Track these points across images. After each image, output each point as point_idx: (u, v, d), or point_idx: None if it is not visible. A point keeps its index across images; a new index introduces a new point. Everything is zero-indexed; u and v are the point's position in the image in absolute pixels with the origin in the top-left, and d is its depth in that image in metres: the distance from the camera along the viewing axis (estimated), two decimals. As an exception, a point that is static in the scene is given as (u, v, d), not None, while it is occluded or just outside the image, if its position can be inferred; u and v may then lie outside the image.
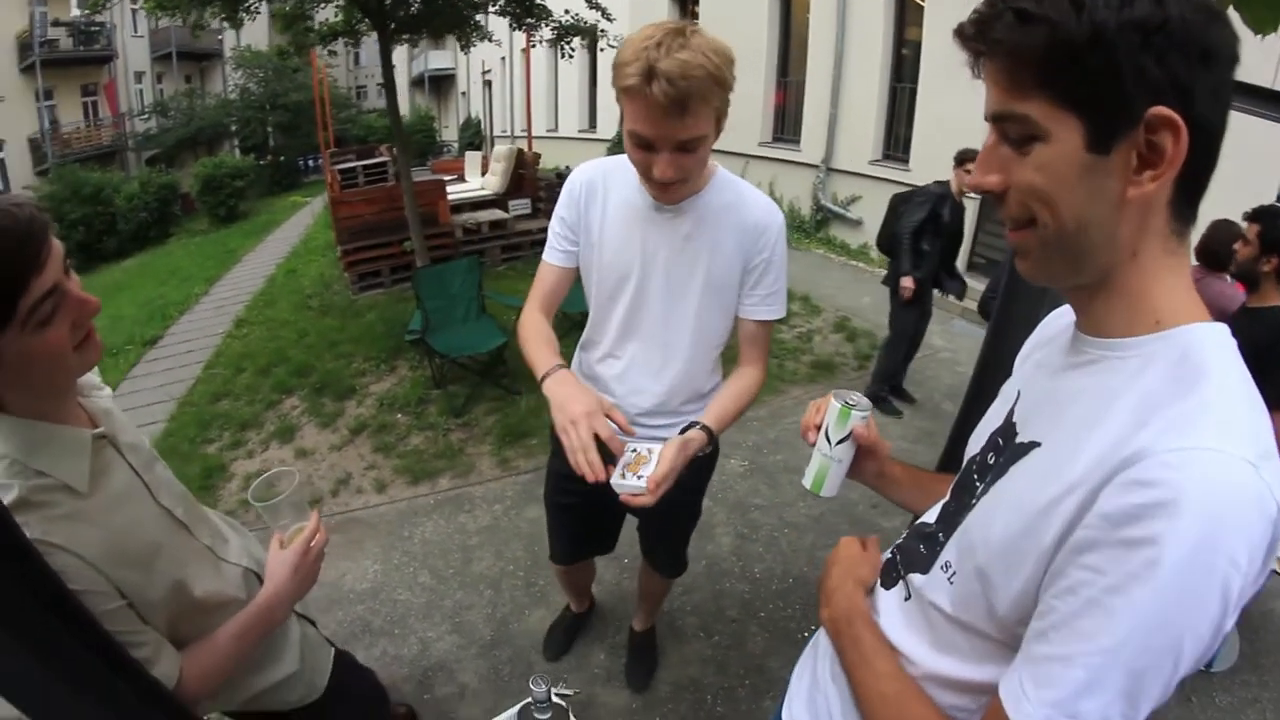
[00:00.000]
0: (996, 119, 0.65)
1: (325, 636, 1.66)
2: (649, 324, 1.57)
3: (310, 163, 20.95)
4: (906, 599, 0.89)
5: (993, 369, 1.84)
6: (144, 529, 1.08)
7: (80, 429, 1.01)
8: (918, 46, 7.61)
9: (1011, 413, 0.82)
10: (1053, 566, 0.64)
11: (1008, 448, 0.78)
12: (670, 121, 1.19)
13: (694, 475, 1.48)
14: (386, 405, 4.68)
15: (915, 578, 0.87)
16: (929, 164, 6.92)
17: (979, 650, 0.77)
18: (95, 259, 15.15)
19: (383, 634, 2.82)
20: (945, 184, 4.09)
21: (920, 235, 4.13)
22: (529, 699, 1.31)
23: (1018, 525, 0.68)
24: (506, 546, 3.26)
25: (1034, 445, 0.73)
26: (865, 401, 1.07)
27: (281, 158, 21.52)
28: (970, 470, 0.86)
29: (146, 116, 22.99)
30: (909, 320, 4.38)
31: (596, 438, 1.24)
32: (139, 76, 23.52)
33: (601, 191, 1.52)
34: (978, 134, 0.72)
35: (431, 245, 6.83)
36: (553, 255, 1.60)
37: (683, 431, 1.45)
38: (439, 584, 3.07)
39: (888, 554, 1.01)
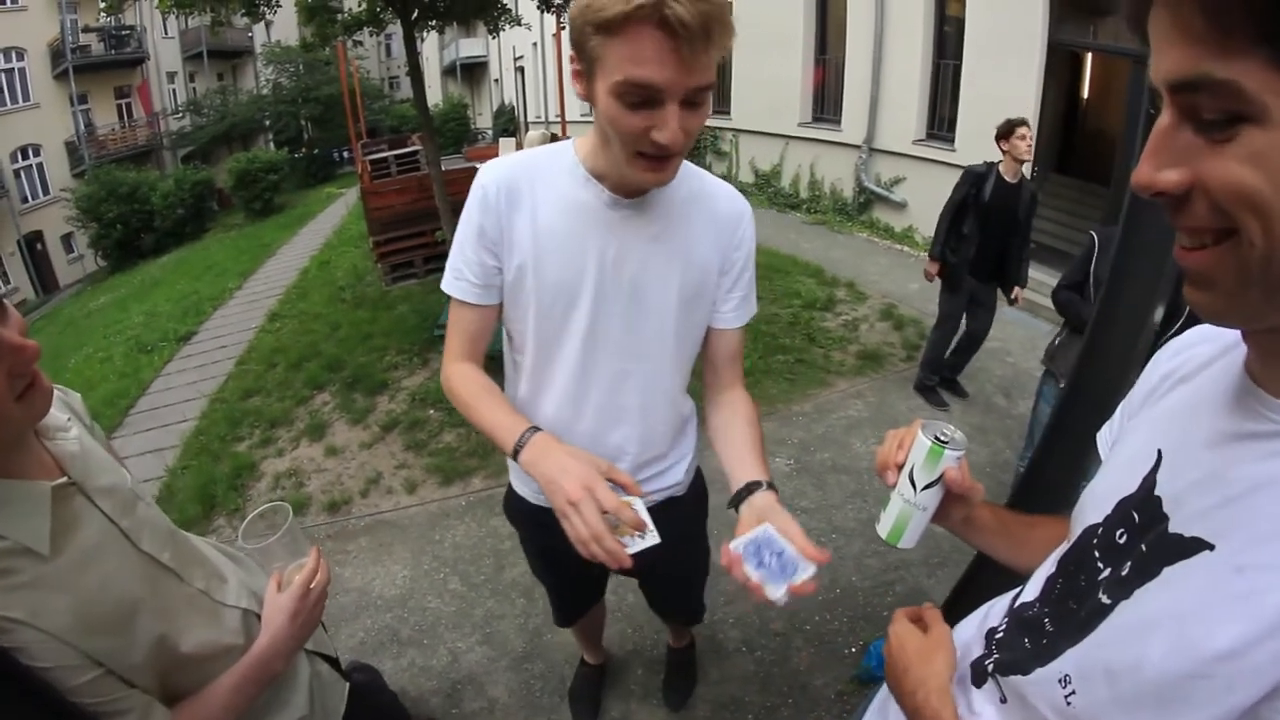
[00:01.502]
0: (1180, 88, 0.44)
1: (341, 671, 1.54)
2: (614, 357, 1.25)
3: (344, 154, 21.04)
4: (1003, 701, 0.73)
5: (1084, 398, 1.61)
6: (121, 585, 0.96)
7: (37, 482, 0.88)
8: (960, 22, 7.28)
9: (1152, 481, 0.63)
10: None
11: (1153, 534, 0.60)
12: (690, 58, 0.91)
13: (691, 521, 1.26)
14: (419, 400, 4.59)
15: (1015, 680, 0.71)
16: (975, 143, 6.61)
17: None
18: (133, 256, 15.56)
19: (411, 644, 2.72)
20: (993, 164, 3.81)
21: (960, 217, 3.88)
22: None
23: (1185, 664, 0.52)
24: (540, 553, 3.12)
25: (1201, 546, 0.55)
26: (960, 437, 0.88)
27: (315, 150, 21.70)
28: (1089, 546, 0.68)
29: (180, 115, 23.42)
30: (952, 305, 4.14)
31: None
32: (171, 77, 23.94)
33: (528, 192, 1.17)
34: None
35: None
36: (468, 291, 1.21)
37: (737, 501, 1.17)
38: (470, 591, 2.96)
39: (978, 648, 0.82)
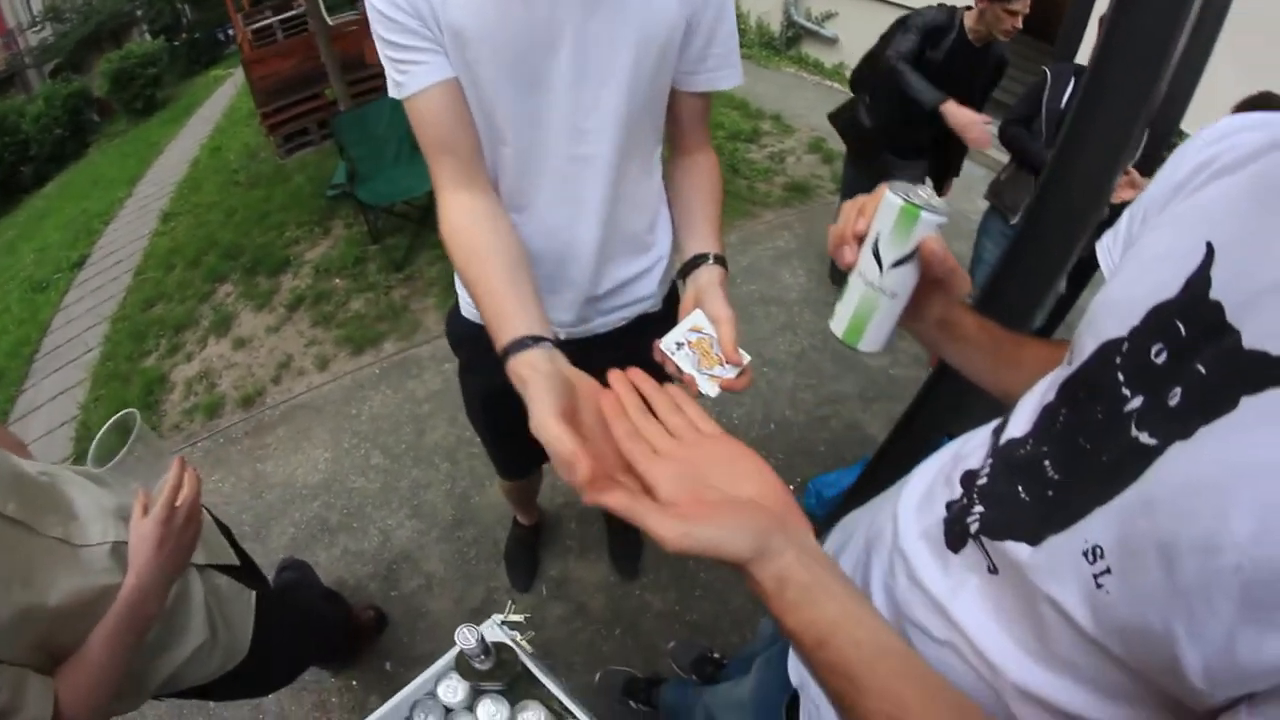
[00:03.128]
0: None
1: (250, 576, 1.41)
2: (563, 141, 0.99)
3: (229, 32, 19.02)
4: (992, 571, 0.57)
5: (1045, 230, 1.40)
6: None
7: None
8: None
9: (1203, 282, 0.48)
10: None
11: (1214, 352, 0.44)
12: None
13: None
14: (323, 272, 4.20)
15: (1013, 548, 0.54)
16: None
17: (1114, 683, 0.47)
18: (16, 194, 13.85)
19: (341, 529, 2.50)
20: (954, 11, 2.72)
21: (892, 75, 2.74)
22: (460, 648, 0.96)
23: None
24: (460, 411, 2.79)
25: None
26: (940, 202, 0.65)
27: (196, 34, 19.52)
28: (1108, 366, 0.52)
29: (39, 27, 20.50)
30: (857, 186, 2.91)
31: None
32: (22, -13, 20.93)
33: None
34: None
35: (360, 91, 6.03)
36: (420, 73, 0.92)
37: (684, 273, 1.01)
38: (393, 464, 2.72)
39: (945, 491, 0.66)
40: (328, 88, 6.14)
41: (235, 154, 7.14)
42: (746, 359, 0.88)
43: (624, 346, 0.93)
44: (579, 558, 2.26)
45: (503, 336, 0.82)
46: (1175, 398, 0.45)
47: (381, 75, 0.98)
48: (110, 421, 1.01)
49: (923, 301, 0.71)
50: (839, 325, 0.73)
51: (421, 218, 4.30)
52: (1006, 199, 2.63)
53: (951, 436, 0.75)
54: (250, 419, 3.21)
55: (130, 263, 5.57)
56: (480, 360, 1.31)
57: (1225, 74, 1.92)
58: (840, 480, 2.30)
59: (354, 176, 4.14)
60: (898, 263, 0.66)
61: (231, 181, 6.30)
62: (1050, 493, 0.52)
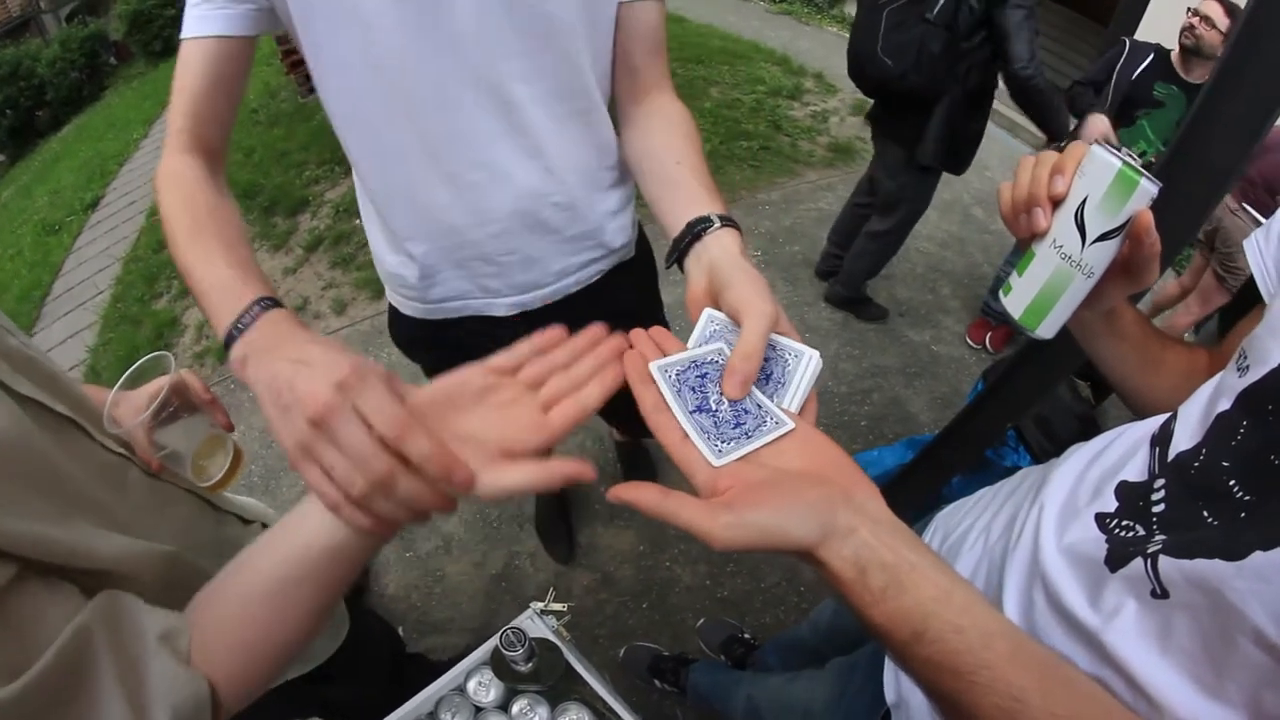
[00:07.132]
0: None
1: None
2: (493, 58, 0.80)
3: (250, -25, 18.65)
4: (1158, 595, 0.48)
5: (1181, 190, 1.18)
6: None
7: None
8: None
9: None
10: None
11: None
12: None
13: (646, 292, 1.03)
14: (343, 212, 4.04)
15: (1206, 566, 0.44)
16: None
17: None
18: (33, 138, 13.64)
19: None
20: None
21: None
22: (497, 643, 0.86)
23: None
24: (486, 360, 2.68)
25: None
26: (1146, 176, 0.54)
27: (217, -24, 19.28)
28: None
29: None
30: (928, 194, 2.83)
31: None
32: (30, -70, 20.48)
33: None
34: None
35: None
36: (206, 19, 0.79)
37: (692, 240, 0.68)
38: None
39: (1092, 499, 0.58)
40: (351, 24, 5.94)
41: (255, 93, 6.95)
42: (790, 424, 0.52)
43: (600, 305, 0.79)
44: (607, 524, 2.16)
45: (224, 315, 0.64)
46: None
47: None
48: (144, 360, 0.85)
49: (1105, 286, 0.61)
50: (1017, 304, 0.62)
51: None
52: None
53: (1018, 431, 0.70)
54: (261, 365, 3.06)
55: (144, 204, 5.46)
56: (435, 360, 1.21)
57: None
58: (882, 458, 2.20)
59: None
60: (1104, 235, 0.56)
61: (250, 121, 6.13)
62: (1243, 514, 0.46)
